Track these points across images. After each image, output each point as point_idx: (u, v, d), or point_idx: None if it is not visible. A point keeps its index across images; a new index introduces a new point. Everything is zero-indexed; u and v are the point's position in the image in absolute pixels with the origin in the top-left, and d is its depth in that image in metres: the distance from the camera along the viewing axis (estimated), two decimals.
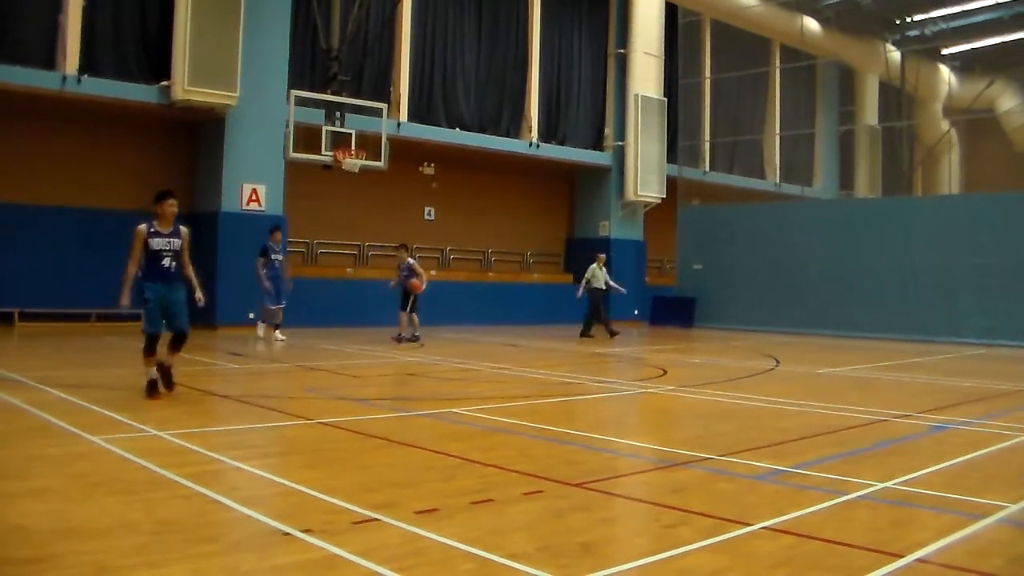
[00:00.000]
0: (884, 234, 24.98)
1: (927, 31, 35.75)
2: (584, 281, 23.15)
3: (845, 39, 35.41)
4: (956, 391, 13.61)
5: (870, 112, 37.57)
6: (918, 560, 4.99)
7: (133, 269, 10.09)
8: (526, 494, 6.24)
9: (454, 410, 10.20)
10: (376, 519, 5.47)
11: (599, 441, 8.70)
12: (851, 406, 11.25)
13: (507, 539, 5.22)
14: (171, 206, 10.27)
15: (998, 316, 22.68)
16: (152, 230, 10.14)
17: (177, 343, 10.41)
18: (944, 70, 37.77)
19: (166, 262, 10.14)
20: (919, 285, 24.00)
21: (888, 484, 6.85)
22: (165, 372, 10.36)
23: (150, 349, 10.11)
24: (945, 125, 37.34)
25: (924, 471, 7.39)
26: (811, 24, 34.21)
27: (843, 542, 5.31)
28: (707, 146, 33.59)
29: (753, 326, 26.30)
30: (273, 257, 19.14)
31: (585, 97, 29.95)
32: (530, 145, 27.69)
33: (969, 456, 8.11)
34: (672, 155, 30.80)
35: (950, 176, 37.16)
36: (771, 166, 36.51)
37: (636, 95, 29.16)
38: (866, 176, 37.31)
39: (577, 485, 6.51)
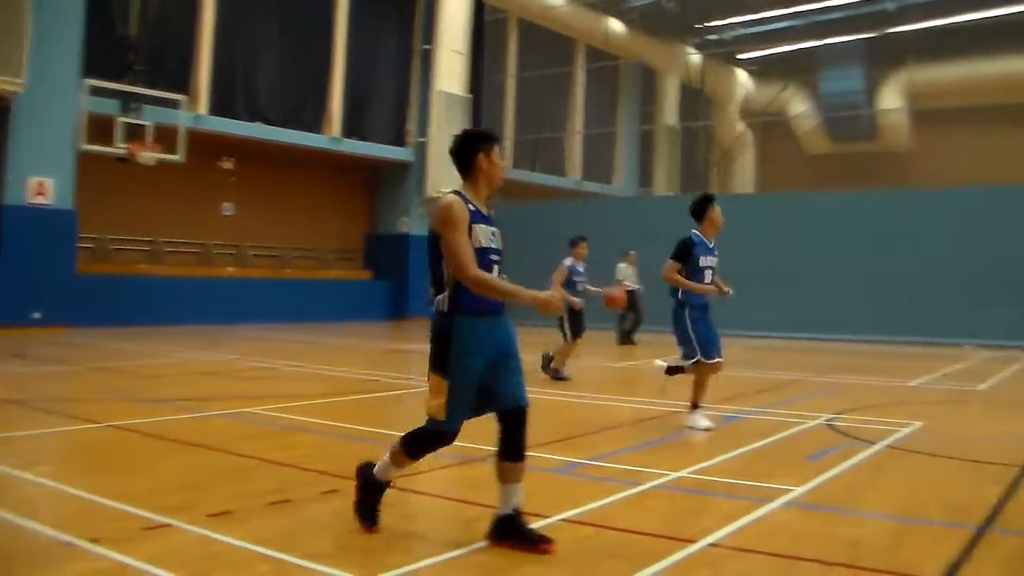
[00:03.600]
0: (680, 231, 25.65)
1: (726, 36, 37.07)
2: (616, 283, 21.04)
3: (648, 41, 36.38)
4: (744, 382, 14.16)
5: (670, 112, 38.73)
6: (710, 545, 5.20)
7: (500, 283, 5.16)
8: (325, 493, 6.17)
9: (251, 410, 9.97)
10: (168, 524, 5.29)
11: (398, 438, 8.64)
12: (645, 398, 11.58)
13: (305, 539, 5.14)
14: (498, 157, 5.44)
15: (778, 310, 23.72)
16: (472, 208, 5.19)
17: (517, 441, 5.42)
18: (741, 74, 39.32)
19: (494, 273, 5.25)
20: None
21: (681, 473, 7.09)
22: (512, 522, 5.31)
23: (425, 445, 5.52)
24: (741, 127, 38.84)
25: (716, 459, 7.68)
26: (615, 25, 34.99)
27: (638, 531, 5.46)
28: (510, 144, 33.93)
29: (549, 321, 26.60)
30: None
31: (389, 93, 29.78)
32: (332, 140, 27.36)
33: (758, 444, 8.48)
34: None
35: (745, 176, 38.66)
36: (572, 164, 37.19)
37: (440, 91, 29.19)
38: (665, 174, 38.43)
39: None
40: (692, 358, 9.53)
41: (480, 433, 9.06)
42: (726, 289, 10.02)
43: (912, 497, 6.65)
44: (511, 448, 5.38)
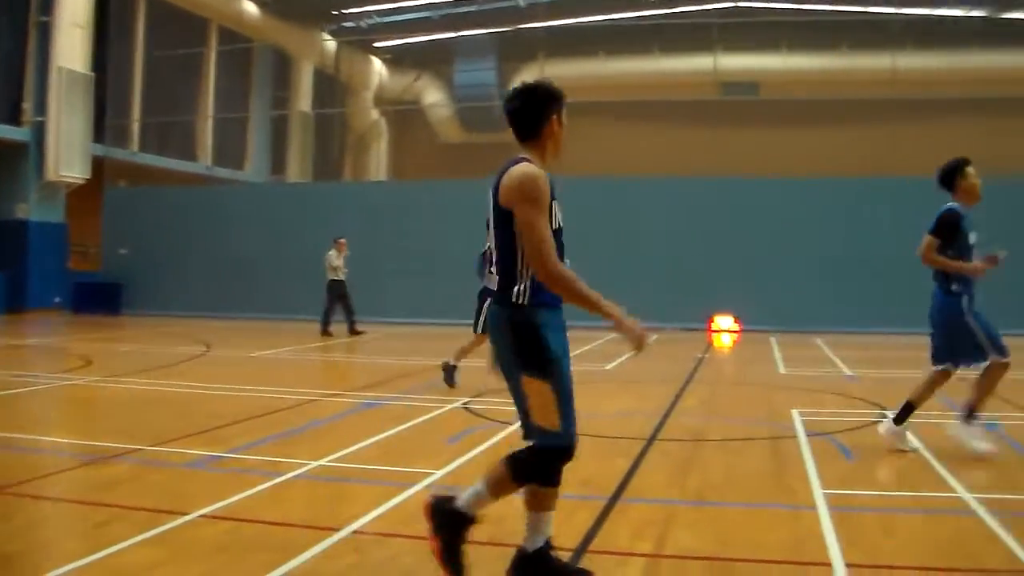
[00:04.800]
0: (316, 217, 25.62)
1: (362, 24, 37.13)
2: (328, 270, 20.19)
3: (283, 25, 35.82)
4: (384, 369, 14.30)
5: (304, 98, 38.35)
6: (354, 532, 5.23)
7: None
8: None
9: None
10: None
11: (17, 440, 8.03)
12: (285, 387, 11.42)
13: None
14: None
15: (418, 296, 24.12)
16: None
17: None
18: (376, 62, 39.54)
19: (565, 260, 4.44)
20: (352, 266, 24.67)
21: (322, 461, 7.07)
22: (544, 558, 4.48)
23: (544, 469, 4.43)
24: (375, 114, 39.11)
25: (357, 446, 7.72)
26: (250, 8, 34.22)
27: (281, 522, 5.39)
28: (137, 126, 32.40)
29: (186, 311, 25.76)
30: None
31: (1, 67, 27.56)
32: None
33: (398, 429, 8.60)
34: (99, 134, 29.32)
35: (379, 163, 38.98)
36: (203, 148, 36.03)
37: (60, 68, 27.36)
38: (298, 161, 38.05)
39: None
40: (983, 359, 7.56)
41: (107, 431, 8.59)
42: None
43: None
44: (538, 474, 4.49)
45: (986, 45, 31.11)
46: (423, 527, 4.55)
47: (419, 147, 39.34)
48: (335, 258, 20.03)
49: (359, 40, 37.56)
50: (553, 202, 4.34)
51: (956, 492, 6.37)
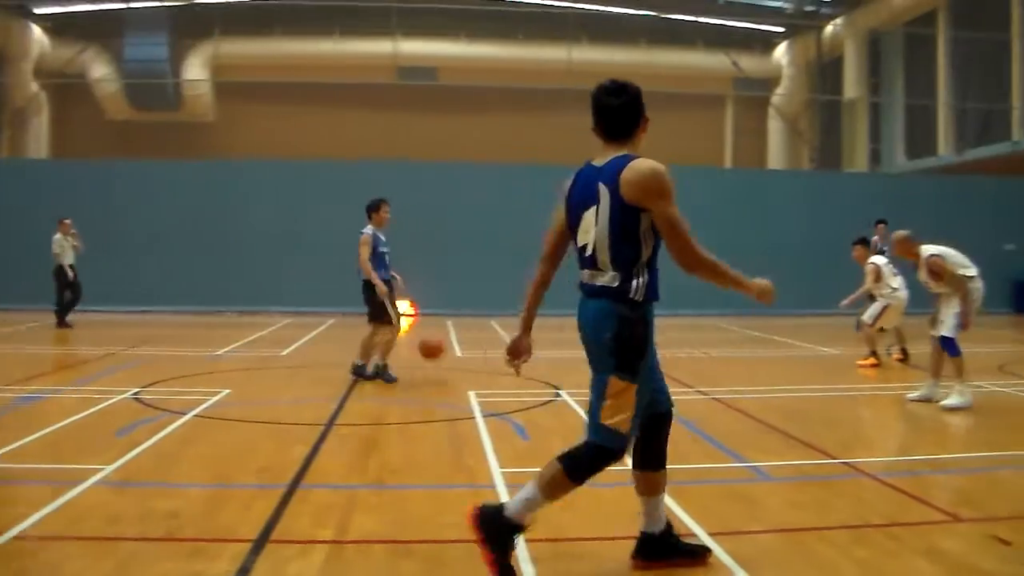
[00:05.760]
0: None
1: None
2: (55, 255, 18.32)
3: None
4: (48, 359, 13.58)
5: None
6: (16, 537, 4.92)
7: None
8: None
9: None
10: None
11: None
12: None
13: None
14: None
15: (87, 279, 22.88)
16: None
17: (665, 446, 4.75)
18: (36, 30, 37.06)
19: None
20: (14, 250, 23.06)
21: None
22: (666, 539, 4.79)
23: (597, 467, 4.45)
24: (35, 87, 36.74)
25: (17, 443, 7.28)
26: None
27: None
28: None
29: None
30: None
31: None
32: None
33: (63, 423, 8.17)
34: None
35: (39, 140, 36.71)
36: None
37: None
38: None
39: None
40: None
41: None
42: None
43: (225, 464, 6.84)
44: (659, 455, 4.69)
45: (653, 42, 33.20)
46: (94, 526, 4.34)
47: (84, 124, 37.38)
48: (62, 240, 18.55)
49: (16, 5, 35.16)
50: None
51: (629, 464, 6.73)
